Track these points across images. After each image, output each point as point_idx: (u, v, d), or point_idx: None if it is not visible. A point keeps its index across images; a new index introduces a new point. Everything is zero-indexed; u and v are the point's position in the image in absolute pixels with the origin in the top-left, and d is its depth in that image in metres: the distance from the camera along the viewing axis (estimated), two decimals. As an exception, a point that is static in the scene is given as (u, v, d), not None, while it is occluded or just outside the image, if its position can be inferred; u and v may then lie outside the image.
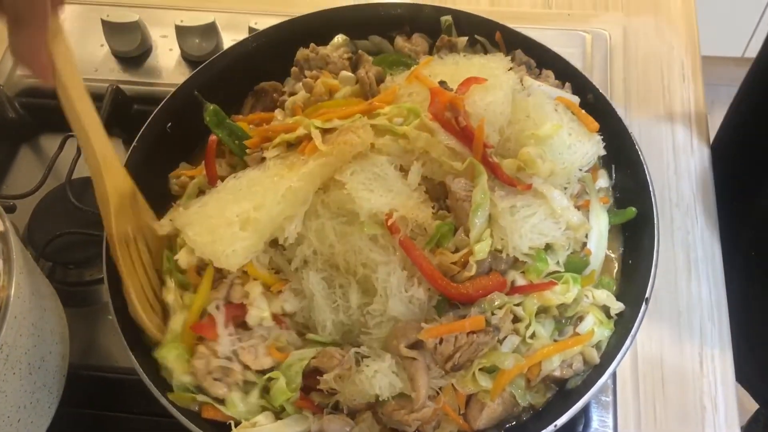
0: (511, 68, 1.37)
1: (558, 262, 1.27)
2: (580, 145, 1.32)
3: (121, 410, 1.42)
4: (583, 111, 1.39)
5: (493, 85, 1.29)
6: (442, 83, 1.29)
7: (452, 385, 1.21)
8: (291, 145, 1.31)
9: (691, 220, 1.62)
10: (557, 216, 1.25)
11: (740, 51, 3.71)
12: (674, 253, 1.58)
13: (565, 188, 1.31)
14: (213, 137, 1.41)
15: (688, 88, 1.81)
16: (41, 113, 1.76)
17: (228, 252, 1.18)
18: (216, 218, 1.21)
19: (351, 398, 1.19)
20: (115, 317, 1.24)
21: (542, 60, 1.51)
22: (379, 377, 1.16)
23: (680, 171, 1.68)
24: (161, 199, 1.41)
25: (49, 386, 1.27)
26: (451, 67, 1.39)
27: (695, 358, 1.47)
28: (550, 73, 1.49)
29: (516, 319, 1.23)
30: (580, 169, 1.34)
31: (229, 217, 1.20)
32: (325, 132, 1.28)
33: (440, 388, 1.20)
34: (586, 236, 1.32)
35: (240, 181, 1.28)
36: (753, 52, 3.62)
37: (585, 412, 1.38)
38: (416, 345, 1.18)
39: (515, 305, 1.23)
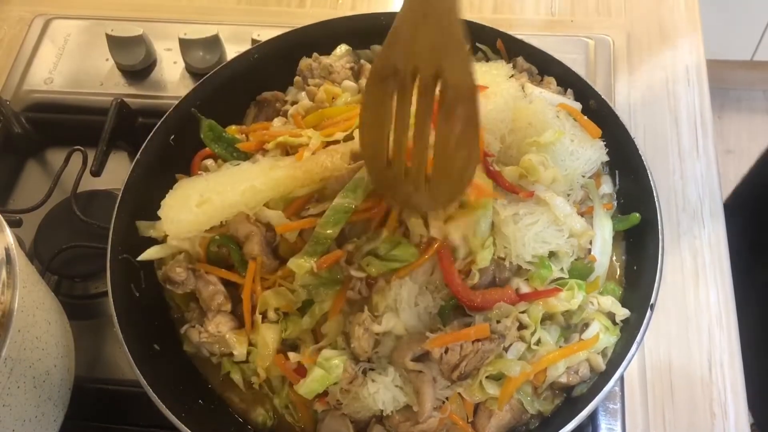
0: (512, 75, 1.37)
1: (562, 269, 1.26)
2: (583, 152, 1.32)
3: (127, 423, 1.42)
4: (585, 117, 1.38)
5: (493, 93, 1.29)
6: None
7: (459, 394, 1.21)
8: (288, 154, 1.32)
9: (698, 224, 1.60)
10: (560, 223, 1.25)
11: (749, 55, 3.68)
12: (681, 258, 1.56)
13: (568, 195, 1.31)
14: (200, 152, 1.46)
15: (693, 93, 1.80)
16: (47, 128, 1.78)
17: (174, 219, 1.25)
18: (188, 191, 1.28)
19: (356, 411, 1.19)
20: (119, 329, 1.24)
21: (544, 67, 1.51)
22: (382, 392, 1.17)
23: (686, 176, 1.67)
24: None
25: (55, 399, 1.27)
26: None
27: (704, 365, 1.45)
28: (552, 80, 1.48)
29: (521, 326, 1.23)
30: (583, 176, 1.34)
31: (195, 192, 1.26)
32: (327, 144, 1.28)
33: (446, 398, 1.20)
34: (590, 243, 1.31)
35: (231, 168, 1.33)
36: (762, 55, 3.63)
37: (593, 419, 1.36)
38: (422, 357, 1.18)
39: (520, 312, 1.22)
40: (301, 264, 1.17)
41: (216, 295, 1.28)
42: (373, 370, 1.20)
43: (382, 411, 1.18)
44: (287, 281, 1.25)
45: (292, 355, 1.22)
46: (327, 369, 1.17)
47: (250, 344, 1.27)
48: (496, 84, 1.30)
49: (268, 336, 1.24)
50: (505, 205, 1.22)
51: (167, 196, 1.30)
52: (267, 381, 1.29)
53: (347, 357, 1.19)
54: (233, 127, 1.50)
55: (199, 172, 1.42)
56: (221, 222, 1.27)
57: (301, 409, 1.26)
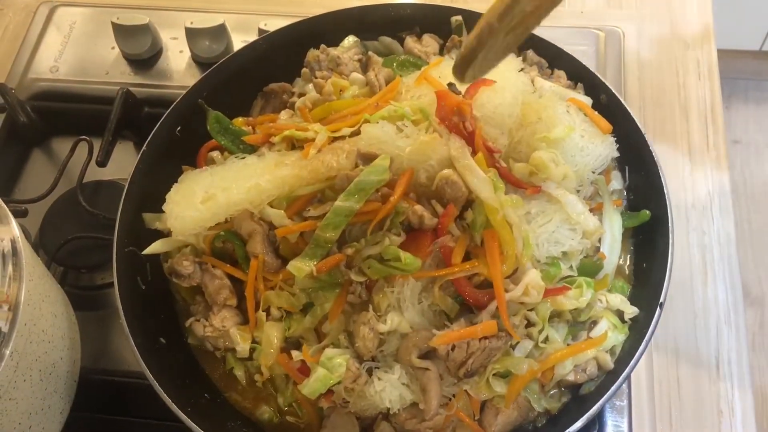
0: (521, 69, 1.35)
1: (571, 267, 1.25)
2: (593, 147, 1.31)
3: (133, 415, 1.41)
4: (596, 112, 1.37)
5: (501, 87, 1.27)
6: (450, 85, 1.27)
7: (466, 391, 1.20)
8: (294, 147, 1.32)
9: (707, 220, 1.59)
10: (573, 222, 1.24)
11: (758, 44, 3.65)
12: (690, 255, 1.55)
13: (578, 191, 1.30)
14: (207, 144, 1.45)
15: (704, 86, 1.78)
16: (53, 117, 1.77)
17: (179, 215, 1.24)
18: (193, 186, 1.27)
19: (363, 410, 1.19)
20: (125, 323, 1.24)
21: (554, 60, 1.49)
22: (388, 390, 1.16)
23: (696, 170, 1.65)
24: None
25: (61, 392, 1.27)
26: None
27: (712, 362, 1.45)
28: (562, 74, 1.47)
29: (529, 324, 1.22)
30: (593, 172, 1.33)
31: (200, 188, 1.25)
32: (334, 139, 1.27)
33: (453, 395, 1.19)
34: (599, 240, 1.30)
35: (237, 162, 1.32)
36: (771, 44, 3.60)
37: (599, 416, 1.36)
38: (428, 354, 1.17)
39: (528, 310, 1.21)
40: (300, 267, 1.17)
41: (222, 289, 1.28)
42: (378, 368, 1.19)
43: (388, 409, 1.17)
44: (288, 284, 1.24)
45: (295, 353, 1.22)
46: (329, 368, 1.16)
47: (254, 341, 1.27)
48: (504, 78, 1.28)
49: (272, 334, 1.24)
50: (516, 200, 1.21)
51: (172, 190, 1.29)
52: (271, 380, 1.29)
53: (350, 355, 1.18)
54: (240, 119, 1.48)
55: (204, 167, 1.41)
56: (225, 218, 1.26)
57: (306, 406, 1.26)
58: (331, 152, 1.23)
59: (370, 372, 1.19)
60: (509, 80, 1.30)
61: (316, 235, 1.17)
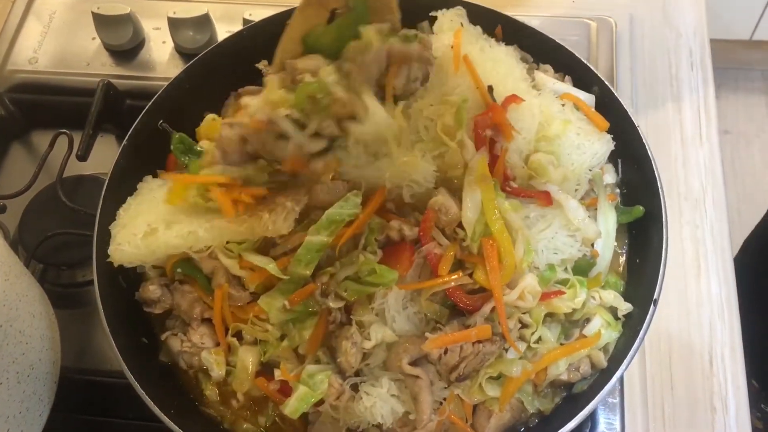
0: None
1: (566, 269, 1.23)
2: (590, 145, 1.28)
3: (116, 416, 1.38)
4: (592, 109, 1.33)
5: (529, 109, 1.24)
6: (490, 89, 1.22)
7: (458, 395, 1.18)
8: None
9: (700, 213, 1.57)
10: (573, 228, 1.22)
11: (748, 34, 3.63)
12: (683, 249, 1.53)
13: (576, 190, 1.27)
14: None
15: (696, 76, 1.75)
16: (32, 109, 1.73)
17: (120, 244, 1.19)
18: (142, 211, 1.22)
19: (354, 425, 1.17)
20: (105, 323, 1.20)
21: (544, 51, 1.45)
22: (379, 405, 1.13)
23: (689, 163, 1.63)
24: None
25: (40, 394, 1.23)
26: (478, 53, 1.29)
27: (705, 358, 1.43)
28: (548, 67, 1.43)
29: (523, 326, 1.19)
30: (590, 170, 1.30)
31: (144, 220, 1.20)
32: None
33: (444, 399, 1.16)
34: (592, 236, 1.28)
35: None
36: (761, 35, 3.58)
37: (592, 414, 1.33)
38: (419, 361, 1.14)
39: (522, 313, 1.19)
40: (271, 302, 1.13)
41: (195, 303, 1.24)
42: (364, 382, 1.16)
43: (381, 424, 1.15)
44: (260, 319, 1.20)
45: (276, 372, 1.18)
46: (311, 386, 1.13)
47: (229, 364, 1.23)
48: (527, 92, 1.25)
49: (247, 359, 1.20)
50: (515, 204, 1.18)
51: (122, 207, 1.25)
52: (250, 400, 1.25)
53: (332, 371, 1.15)
54: (211, 116, 1.43)
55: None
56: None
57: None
58: (268, 211, 1.11)
59: (355, 388, 1.15)
60: (530, 104, 1.26)
61: (289, 272, 1.12)
